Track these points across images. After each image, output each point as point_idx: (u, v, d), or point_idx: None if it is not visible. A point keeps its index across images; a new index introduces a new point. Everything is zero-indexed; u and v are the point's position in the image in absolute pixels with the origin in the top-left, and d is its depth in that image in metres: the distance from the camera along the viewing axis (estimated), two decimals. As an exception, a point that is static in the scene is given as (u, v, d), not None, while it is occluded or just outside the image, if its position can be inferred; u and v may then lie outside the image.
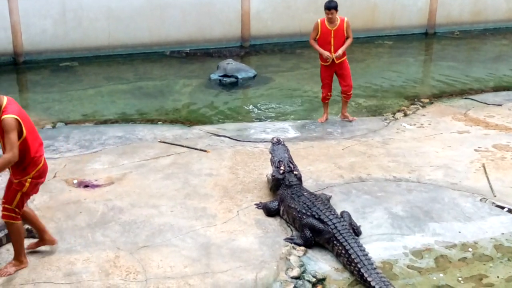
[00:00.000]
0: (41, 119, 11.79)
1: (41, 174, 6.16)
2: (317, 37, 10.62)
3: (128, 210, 7.61)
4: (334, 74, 10.92)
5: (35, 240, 6.67)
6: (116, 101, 13.37)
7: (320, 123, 11.15)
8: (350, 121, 11.16)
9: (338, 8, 10.31)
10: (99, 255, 6.60)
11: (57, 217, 7.42)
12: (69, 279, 6.17)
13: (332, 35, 10.49)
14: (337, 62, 10.66)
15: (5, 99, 5.87)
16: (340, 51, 10.50)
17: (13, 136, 5.74)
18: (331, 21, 10.42)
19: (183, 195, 8.06)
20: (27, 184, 6.03)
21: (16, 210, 6.11)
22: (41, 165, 6.11)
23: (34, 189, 6.18)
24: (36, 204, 7.72)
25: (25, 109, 12.95)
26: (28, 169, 6.01)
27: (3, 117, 5.74)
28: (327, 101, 11.20)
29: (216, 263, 6.46)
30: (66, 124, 11.47)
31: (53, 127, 11.24)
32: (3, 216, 6.14)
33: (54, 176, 8.66)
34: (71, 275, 6.24)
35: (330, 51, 10.54)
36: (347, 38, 10.57)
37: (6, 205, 6.10)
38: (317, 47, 10.66)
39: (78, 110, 12.65)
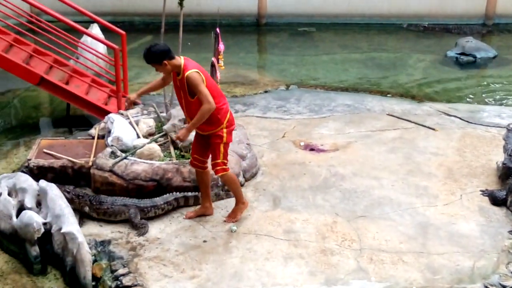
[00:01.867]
0: (276, 80, 12.34)
1: (231, 122, 6.45)
2: None
3: (349, 178, 7.72)
4: None
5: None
6: (348, 69, 13.50)
7: None
8: None
9: None
10: (318, 218, 6.80)
11: (282, 175, 7.77)
12: (288, 236, 6.45)
13: None
14: None
15: (182, 59, 6.26)
16: None
17: (203, 88, 6.14)
18: None
19: (405, 170, 7.98)
20: (224, 135, 6.36)
21: (225, 161, 6.48)
22: (228, 113, 6.41)
23: (230, 136, 6.48)
24: (264, 160, 8.15)
25: (261, 69, 13.90)
26: (220, 119, 6.32)
27: (186, 74, 6.14)
28: None
29: (432, 244, 6.34)
30: (298, 87, 11.83)
31: (287, 88, 11.68)
32: (217, 172, 6.51)
33: (283, 136, 9.04)
34: (290, 232, 6.52)
35: None
36: None
37: (214, 161, 6.48)
38: None
39: (311, 74, 13.00)
